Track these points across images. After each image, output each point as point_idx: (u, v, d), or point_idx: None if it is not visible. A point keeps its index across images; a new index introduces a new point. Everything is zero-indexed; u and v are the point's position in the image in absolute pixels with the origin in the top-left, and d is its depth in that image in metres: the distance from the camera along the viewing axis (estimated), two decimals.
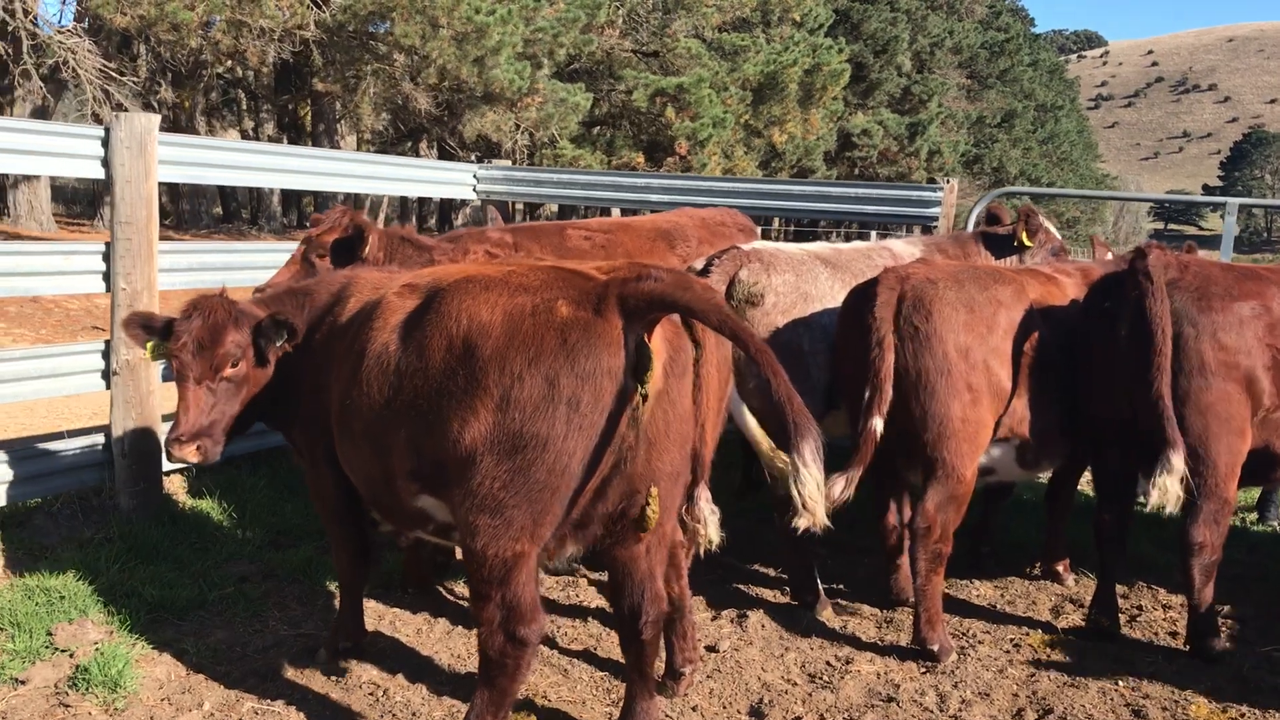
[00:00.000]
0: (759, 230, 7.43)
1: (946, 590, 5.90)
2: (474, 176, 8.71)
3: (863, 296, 5.06)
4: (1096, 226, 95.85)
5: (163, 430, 6.12)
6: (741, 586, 5.92)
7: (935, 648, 5.01)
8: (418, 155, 31.06)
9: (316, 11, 21.23)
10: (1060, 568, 6.12)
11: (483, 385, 3.51)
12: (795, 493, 3.62)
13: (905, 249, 6.44)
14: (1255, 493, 7.44)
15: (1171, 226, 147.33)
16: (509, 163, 9.15)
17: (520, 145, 26.45)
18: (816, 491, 3.62)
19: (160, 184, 5.99)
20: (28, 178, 23.61)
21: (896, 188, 7.79)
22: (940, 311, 4.88)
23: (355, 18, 20.67)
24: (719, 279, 5.55)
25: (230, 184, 7.71)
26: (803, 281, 5.67)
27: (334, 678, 4.68)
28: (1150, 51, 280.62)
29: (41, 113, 22.87)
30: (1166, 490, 4.59)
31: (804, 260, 5.78)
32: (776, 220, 25.57)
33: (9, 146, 5.54)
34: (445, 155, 27.11)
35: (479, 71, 21.83)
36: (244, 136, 35.26)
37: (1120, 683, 4.88)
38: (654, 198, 8.37)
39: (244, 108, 34.66)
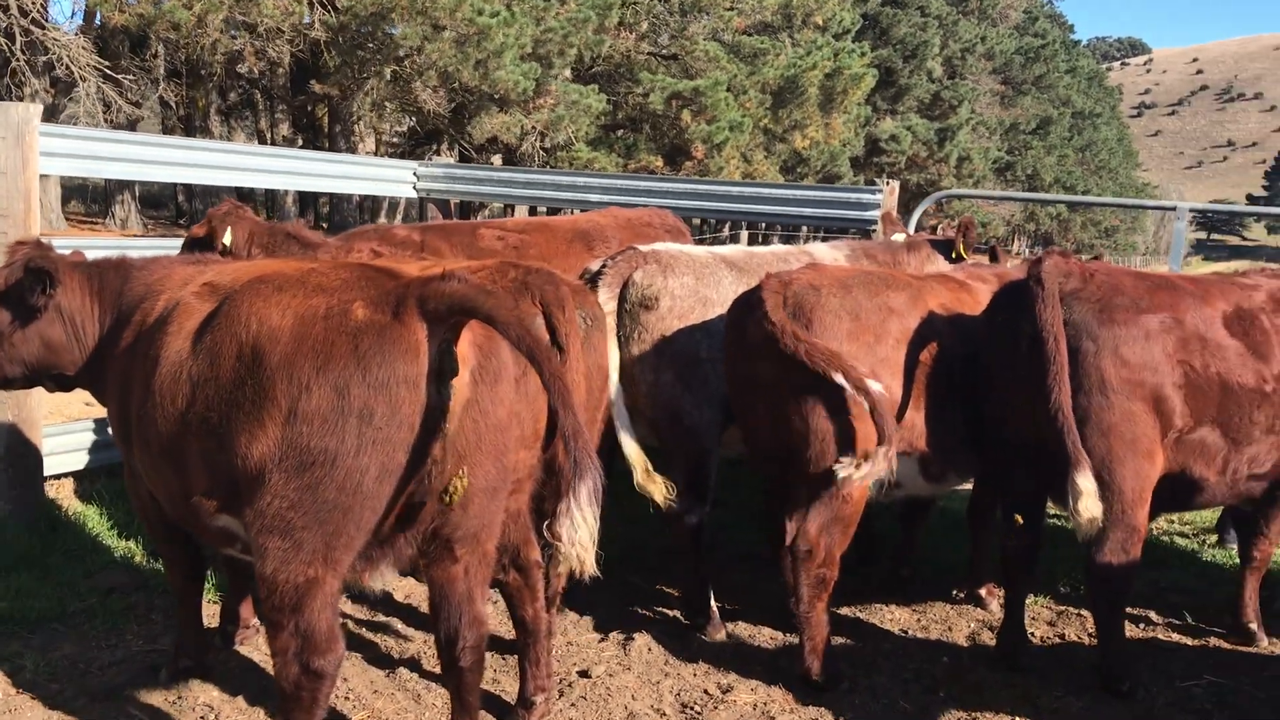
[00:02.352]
0: (689, 232, 7.11)
1: (859, 615, 5.60)
2: (414, 174, 8.46)
3: (745, 306, 4.74)
4: (1136, 236, 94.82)
5: (42, 433, 5.92)
6: (639, 607, 5.60)
7: (820, 678, 4.67)
8: (438, 156, 30.92)
9: (321, 12, 21.13)
10: (984, 591, 5.75)
11: (270, 396, 3.24)
12: (564, 535, 3.30)
13: (829, 254, 6.12)
14: (1216, 514, 7.00)
15: (1215, 236, 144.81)
16: (451, 160, 8.85)
17: (537, 148, 26.22)
18: (588, 539, 3.31)
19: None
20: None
21: (835, 189, 7.46)
22: (821, 320, 4.54)
23: (356, 18, 20.51)
24: (612, 280, 5.25)
25: (129, 178, 7.52)
26: (703, 285, 5.35)
27: (169, 698, 4.41)
28: (1195, 59, 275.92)
29: (51, 112, 22.88)
30: (1087, 515, 4.21)
31: (707, 263, 5.46)
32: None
33: None
34: (464, 158, 26.96)
35: (482, 74, 21.60)
36: (260, 137, 35.28)
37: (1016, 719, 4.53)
38: (594, 197, 8.08)
39: (260, 108, 34.67)
